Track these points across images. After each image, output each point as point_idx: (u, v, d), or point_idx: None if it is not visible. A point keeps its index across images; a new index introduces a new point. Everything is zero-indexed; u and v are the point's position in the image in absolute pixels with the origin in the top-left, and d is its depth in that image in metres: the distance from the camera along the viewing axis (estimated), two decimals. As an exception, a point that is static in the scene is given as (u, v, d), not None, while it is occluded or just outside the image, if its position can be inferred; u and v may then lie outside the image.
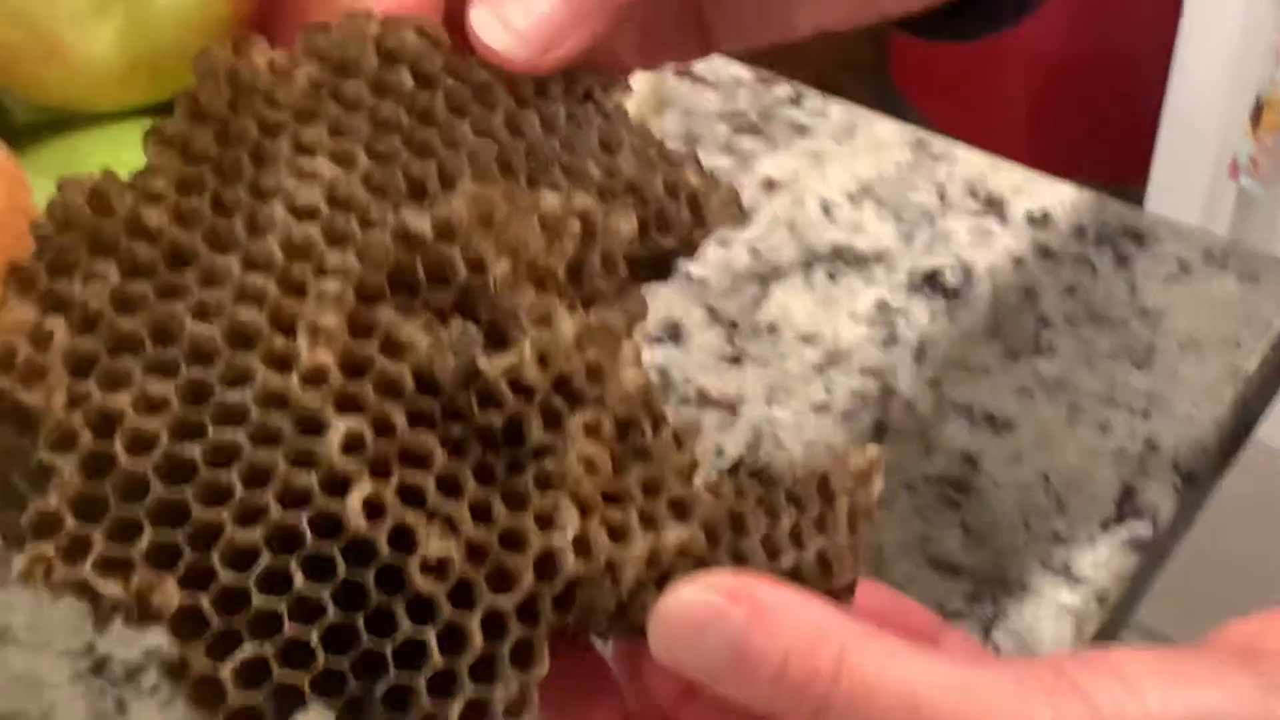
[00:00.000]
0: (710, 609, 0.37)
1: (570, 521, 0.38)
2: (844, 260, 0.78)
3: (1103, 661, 0.37)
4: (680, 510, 0.39)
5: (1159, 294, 0.77)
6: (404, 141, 0.42)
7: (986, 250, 0.79)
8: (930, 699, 0.36)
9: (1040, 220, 0.80)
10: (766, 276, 0.78)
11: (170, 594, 0.37)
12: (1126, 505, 0.69)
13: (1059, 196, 0.81)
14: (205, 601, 0.37)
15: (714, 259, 0.78)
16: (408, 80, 0.43)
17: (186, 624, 0.37)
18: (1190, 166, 1.88)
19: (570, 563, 0.38)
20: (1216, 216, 1.84)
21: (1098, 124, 1.96)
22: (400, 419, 0.39)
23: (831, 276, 0.78)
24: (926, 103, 2.01)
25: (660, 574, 0.38)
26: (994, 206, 0.81)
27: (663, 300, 0.76)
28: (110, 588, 0.37)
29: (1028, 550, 0.68)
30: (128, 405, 0.38)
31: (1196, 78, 1.85)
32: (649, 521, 0.39)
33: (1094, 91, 1.97)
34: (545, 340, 0.39)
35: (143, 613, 0.37)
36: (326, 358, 0.39)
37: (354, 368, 0.39)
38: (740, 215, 0.45)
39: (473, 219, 0.40)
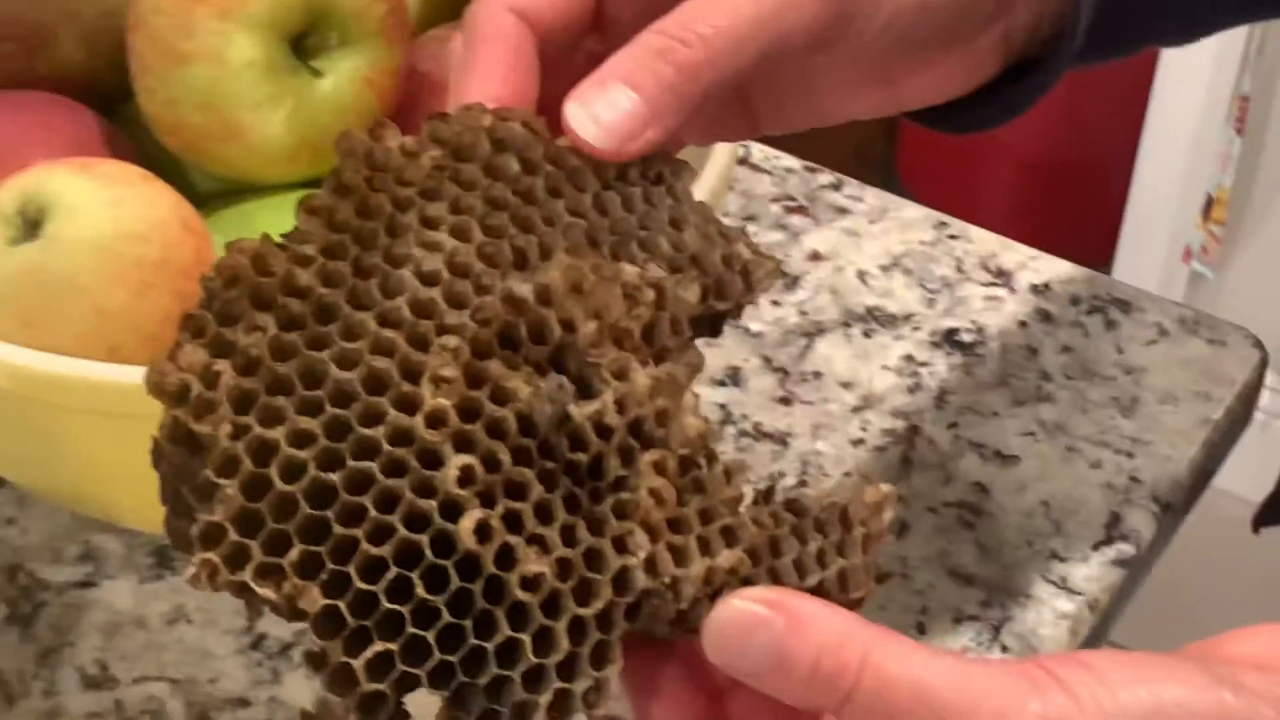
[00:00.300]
0: (755, 617, 0.38)
1: (642, 546, 0.39)
2: (877, 320, 0.80)
3: (1081, 661, 0.38)
4: (730, 537, 0.41)
5: (1141, 354, 0.78)
6: (510, 218, 0.43)
7: (996, 314, 0.80)
8: (937, 688, 0.37)
9: (1042, 290, 0.81)
10: (812, 332, 0.79)
11: (315, 599, 0.38)
12: (1114, 529, 0.70)
13: (1057, 271, 0.82)
14: (343, 605, 0.38)
15: (769, 316, 0.79)
16: (514, 165, 0.44)
17: (327, 622, 0.38)
18: (1149, 251, 1.88)
19: (641, 580, 0.39)
20: (1170, 294, 1.83)
21: (1071, 214, 1.97)
22: (505, 456, 0.40)
23: (867, 334, 0.79)
24: (925, 192, 2.01)
25: (713, 590, 0.40)
26: (1003, 278, 0.82)
27: (726, 350, 0.77)
28: (266, 591, 0.38)
29: (1031, 565, 0.69)
30: (282, 438, 0.39)
31: (1156, 177, 1.85)
32: (705, 546, 0.40)
33: (1068, 187, 1.98)
34: (623, 391, 0.40)
35: (291, 613, 0.38)
36: (446, 403, 0.40)
37: (468, 412, 0.40)
38: (779, 280, 0.46)
39: (566, 287, 0.41)
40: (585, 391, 0.41)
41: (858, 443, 0.74)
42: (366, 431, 0.39)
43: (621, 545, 0.39)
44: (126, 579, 0.67)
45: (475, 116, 0.44)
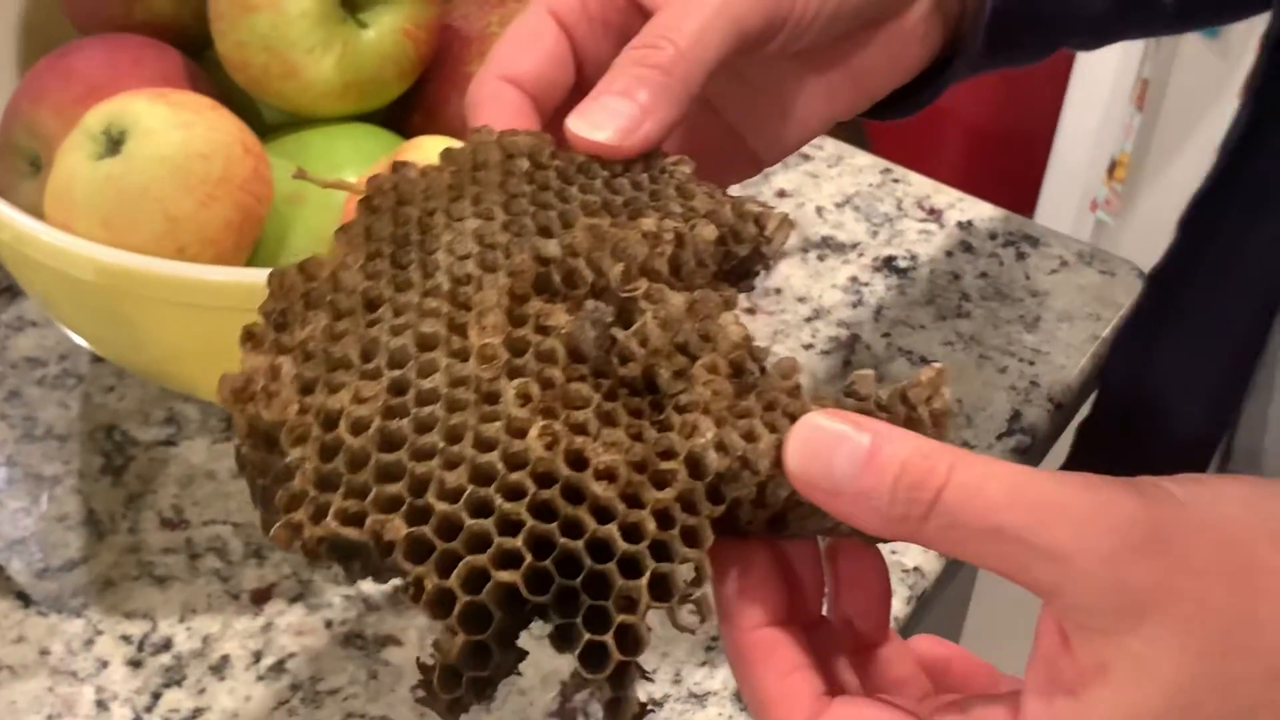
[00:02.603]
0: (841, 430, 0.31)
1: (708, 429, 0.32)
2: (829, 247, 0.74)
3: (1173, 478, 0.30)
4: (795, 418, 0.33)
5: (1045, 280, 0.73)
6: (529, 202, 0.37)
7: (927, 245, 0.75)
8: (1032, 486, 0.29)
9: (965, 226, 0.76)
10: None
11: (398, 527, 0.31)
12: (1014, 423, 0.66)
13: (979, 211, 0.77)
14: (428, 530, 0.31)
15: (739, 241, 0.74)
16: (525, 164, 0.38)
17: (416, 552, 0.32)
18: (1065, 202, 1.85)
19: (714, 460, 0.32)
20: (1079, 236, 1.79)
21: (1003, 170, 1.92)
22: (558, 374, 0.33)
23: (820, 258, 0.74)
24: (883, 146, 1.96)
25: None
26: (934, 215, 0.76)
27: (703, 267, 0.72)
28: (350, 532, 0.32)
29: (945, 452, 0.64)
30: (346, 402, 0.33)
31: (1071, 142, 1.82)
32: (771, 427, 0.33)
33: (1002, 148, 1.93)
34: (662, 311, 0.34)
35: (379, 547, 0.32)
36: (494, 341, 0.34)
37: (516, 348, 0.34)
38: (793, 229, 0.39)
39: (590, 240, 0.36)
40: (628, 323, 0.34)
41: (808, 347, 0.69)
42: (425, 383, 0.33)
43: (689, 433, 0.33)
44: (201, 439, 0.63)
45: (484, 135, 0.39)
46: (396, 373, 0.34)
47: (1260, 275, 0.55)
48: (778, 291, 0.71)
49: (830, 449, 0.31)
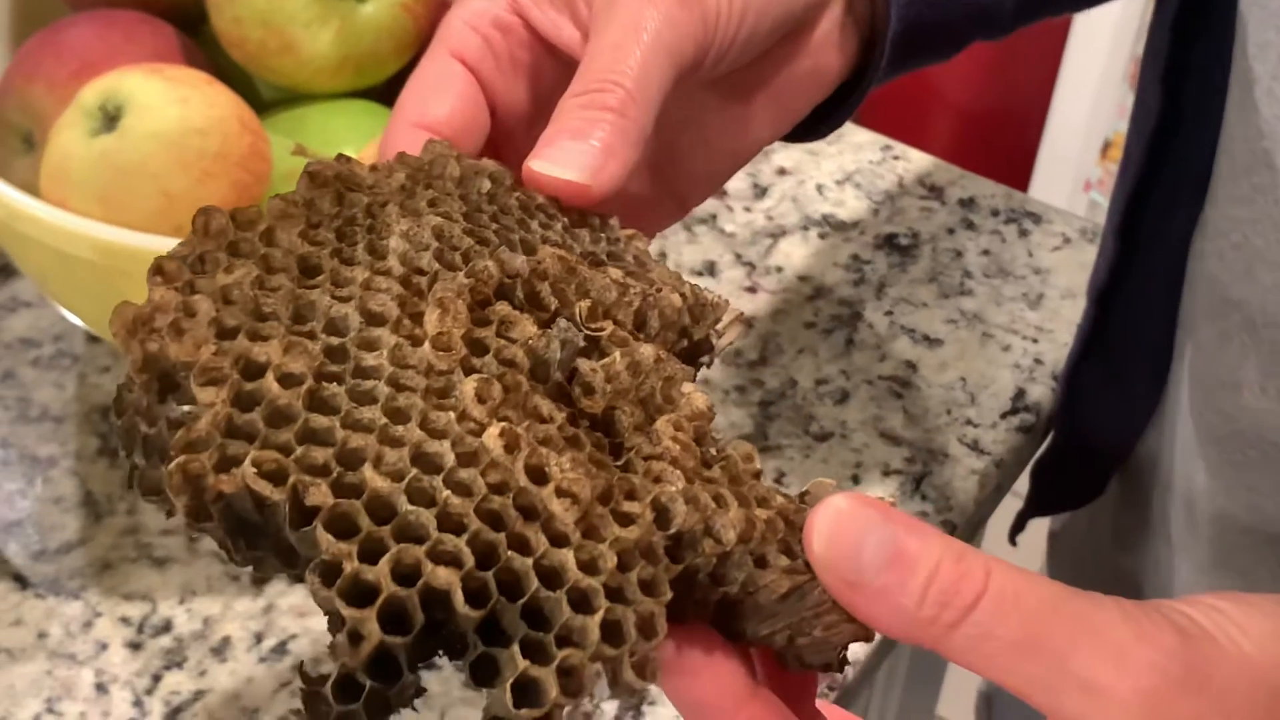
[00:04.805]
0: (872, 516, 0.28)
1: (677, 479, 0.29)
2: (830, 225, 0.74)
3: (1209, 604, 0.28)
4: (762, 501, 0.30)
5: (1048, 258, 0.72)
6: (490, 220, 0.34)
7: (929, 223, 0.74)
8: (1072, 604, 0.27)
9: (968, 203, 0.75)
10: (776, 234, 0.73)
11: (325, 493, 0.27)
12: (1018, 401, 0.65)
13: (980, 188, 0.76)
14: (358, 505, 0.27)
15: (740, 220, 0.74)
16: (486, 184, 0.35)
17: (339, 526, 0.27)
18: (1058, 183, 1.85)
19: (681, 512, 0.28)
20: (1073, 218, 1.80)
21: (995, 152, 1.92)
22: (523, 380, 0.29)
23: (821, 236, 0.73)
24: (874, 128, 1.95)
25: (751, 549, 0.29)
26: (935, 192, 0.76)
27: (703, 247, 0.72)
28: (263, 487, 0.27)
29: (948, 430, 0.64)
30: (273, 353, 0.28)
31: (1065, 123, 1.81)
32: (741, 500, 0.30)
33: (994, 130, 1.92)
34: (630, 356, 0.31)
35: (295, 512, 0.27)
36: (454, 330, 0.30)
37: (477, 346, 0.30)
38: (743, 327, 0.36)
39: (559, 268, 0.32)
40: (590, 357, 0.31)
41: (810, 325, 0.68)
42: (367, 357, 0.29)
43: (655, 479, 0.29)
44: (199, 420, 0.62)
45: (441, 148, 0.35)
46: (334, 339, 0.29)
47: (1171, 271, 0.53)
48: (779, 270, 0.71)
49: (859, 535, 0.28)
